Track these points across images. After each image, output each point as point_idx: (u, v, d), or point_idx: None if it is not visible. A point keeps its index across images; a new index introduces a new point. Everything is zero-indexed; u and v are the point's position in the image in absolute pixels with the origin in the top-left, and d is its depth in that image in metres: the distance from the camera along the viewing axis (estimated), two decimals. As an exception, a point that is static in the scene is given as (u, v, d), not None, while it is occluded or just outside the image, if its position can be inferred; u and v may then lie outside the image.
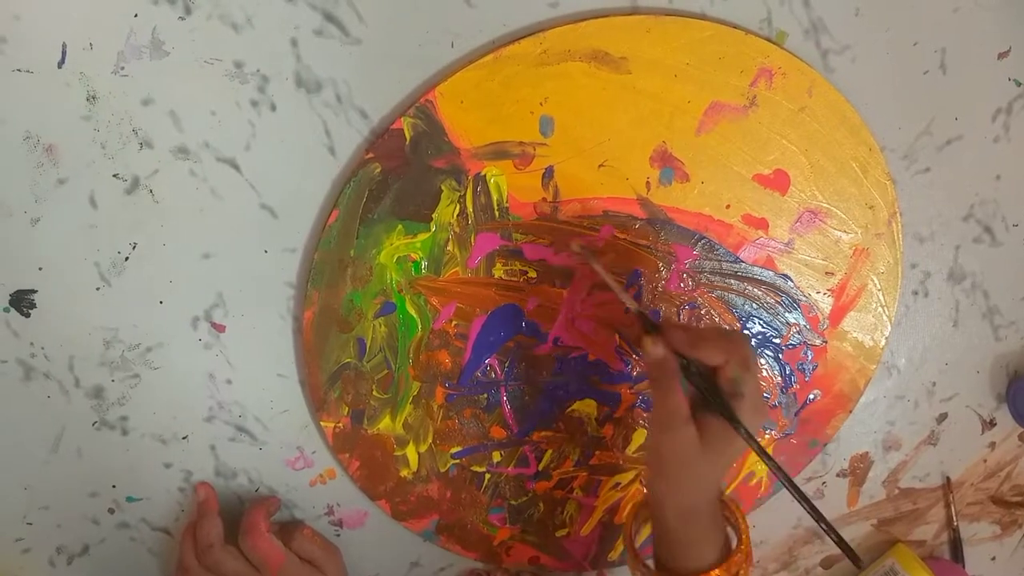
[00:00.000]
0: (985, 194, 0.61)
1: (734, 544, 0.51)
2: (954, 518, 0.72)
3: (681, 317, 0.57)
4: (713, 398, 0.47)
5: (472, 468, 0.59)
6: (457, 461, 0.58)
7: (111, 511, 0.56)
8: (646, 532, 0.58)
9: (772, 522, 0.68)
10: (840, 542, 0.45)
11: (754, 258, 0.57)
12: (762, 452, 0.46)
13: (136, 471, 0.55)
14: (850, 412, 0.63)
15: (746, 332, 0.58)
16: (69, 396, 0.53)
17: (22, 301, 0.50)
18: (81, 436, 0.54)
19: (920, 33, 0.55)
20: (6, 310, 0.50)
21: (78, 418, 0.53)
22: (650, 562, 0.54)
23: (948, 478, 0.71)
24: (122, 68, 0.46)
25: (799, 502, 0.45)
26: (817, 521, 0.45)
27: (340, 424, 0.55)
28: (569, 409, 0.59)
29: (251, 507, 0.55)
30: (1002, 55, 0.57)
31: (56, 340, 0.51)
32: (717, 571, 0.49)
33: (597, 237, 0.54)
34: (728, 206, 0.55)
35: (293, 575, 0.54)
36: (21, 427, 0.53)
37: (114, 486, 0.56)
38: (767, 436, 0.62)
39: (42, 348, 0.51)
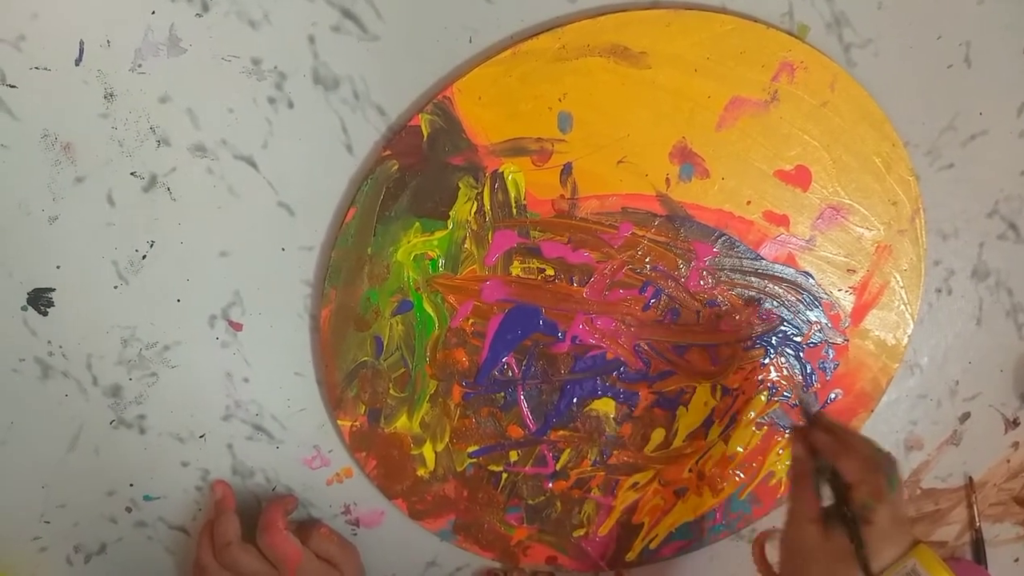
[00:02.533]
0: (1010, 190, 0.60)
1: None
2: (977, 519, 0.71)
3: (701, 316, 0.57)
4: (841, 509, 0.47)
5: (489, 467, 0.58)
6: (474, 460, 0.58)
7: (128, 510, 0.56)
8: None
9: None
10: None
11: (775, 255, 0.56)
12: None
13: (153, 470, 0.55)
14: (872, 411, 0.63)
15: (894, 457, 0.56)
16: (87, 394, 0.52)
17: (40, 299, 0.50)
18: (98, 435, 0.54)
19: (944, 27, 0.54)
20: (24, 308, 0.50)
21: (95, 416, 0.53)
22: None
23: (971, 478, 0.70)
24: (139, 66, 0.46)
25: None
26: None
27: (357, 423, 0.55)
28: (587, 408, 0.58)
29: (269, 505, 0.54)
30: (1028, 48, 0.56)
31: (74, 338, 0.51)
32: None
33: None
34: (749, 202, 0.55)
35: (311, 574, 0.54)
36: (39, 426, 0.53)
37: (131, 485, 0.56)
38: (787, 435, 0.62)
39: (60, 347, 0.51)
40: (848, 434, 0.51)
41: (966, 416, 0.67)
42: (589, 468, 0.60)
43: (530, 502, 0.60)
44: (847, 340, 0.60)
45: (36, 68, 0.45)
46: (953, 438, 0.67)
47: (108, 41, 0.45)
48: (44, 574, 0.57)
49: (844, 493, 0.47)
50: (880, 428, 0.65)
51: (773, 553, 0.55)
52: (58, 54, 0.45)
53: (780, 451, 0.62)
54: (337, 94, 0.48)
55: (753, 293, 0.57)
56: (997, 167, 0.59)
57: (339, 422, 0.55)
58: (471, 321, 0.54)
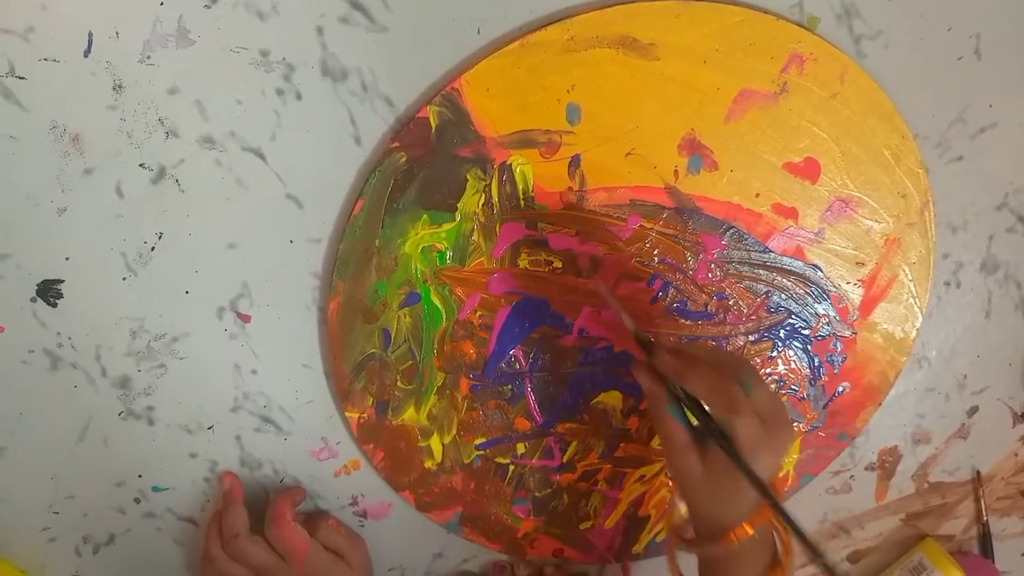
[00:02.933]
0: (1020, 183, 0.59)
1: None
2: (984, 513, 0.71)
3: (710, 308, 0.57)
4: (706, 429, 0.45)
5: (496, 459, 0.58)
6: (481, 452, 0.58)
7: (137, 501, 0.56)
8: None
9: (799, 516, 0.66)
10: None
11: (783, 248, 0.56)
12: (760, 487, 0.43)
13: (162, 461, 0.56)
14: (880, 405, 0.62)
15: (747, 359, 0.55)
16: (95, 386, 0.53)
17: (49, 291, 0.50)
18: (107, 426, 0.54)
19: (955, 18, 0.53)
20: (33, 300, 0.50)
21: (104, 408, 0.53)
22: None
23: (978, 472, 0.70)
24: (148, 57, 0.46)
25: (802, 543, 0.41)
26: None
27: (364, 415, 0.55)
28: (594, 401, 0.58)
29: (277, 497, 0.55)
30: (1039, 40, 0.55)
31: (83, 330, 0.51)
32: None
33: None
34: (757, 195, 0.54)
35: (318, 565, 0.54)
36: (48, 417, 0.53)
37: (140, 476, 0.56)
38: (796, 427, 0.61)
39: (69, 338, 0.51)
40: (692, 348, 0.48)
41: (974, 410, 0.67)
42: (596, 461, 0.60)
43: (537, 494, 0.60)
44: (855, 333, 0.60)
45: (45, 60, 0.45)
46: (961, 432, 0.67)
47: (117, 33, 0.45)
48: (53, 565, 0.58)
49: (700, 410, 0.45)
50: (888, 422, 0.65)
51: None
52: (67, 46, 0.45)
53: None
54: (345, 86, 0.48)
55: (762, 286, 0.57)
56: (1007, 160, 0.59)
57: (347, 414, 0.55)
58: (478, 313, 0.54)
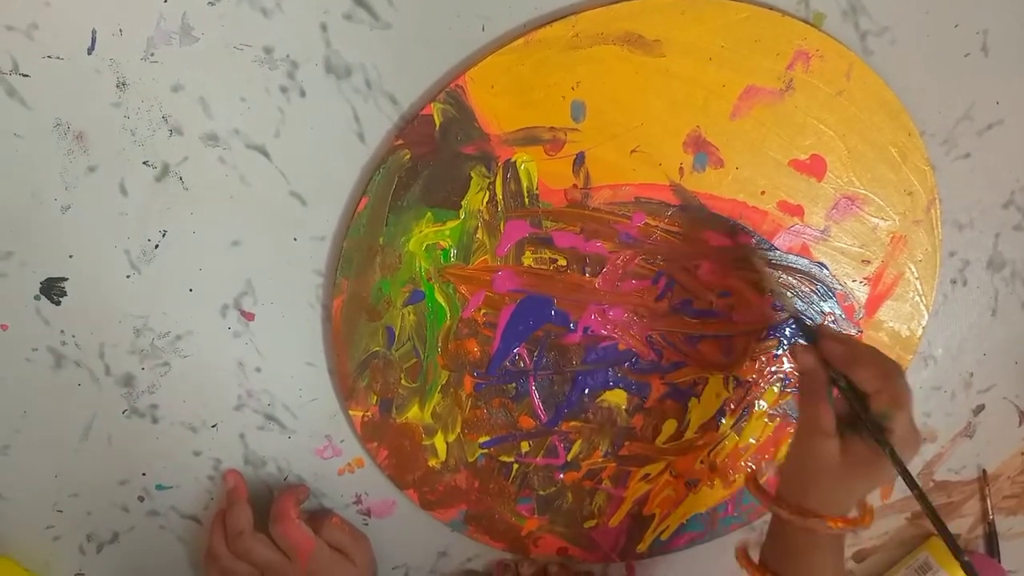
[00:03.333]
0: (1027, 180, 0.59)
1: None
2: (990, 511, 0.70)
3: (715, 306, 0.56)
4: (864, 418, 0.46)
5: (500, 458, 0.58)
6: (485, 451, 0.58)
7: (141, 499, 0.56)
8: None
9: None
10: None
11: (789, 245, 0.56)
12: (911, 481, 0.44)
13: (166, 459, 0.55)
14: (885, 403, 0.62)
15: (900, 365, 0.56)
16: (99, 384, 0.53)
17: (52, 289, 0.50)
18: (111, 424, 0.54)
19: (961, 14, 0.53)
20: (37, 298, 0.50)
21: (108, 406, 0.53)
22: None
23: (984, 471, 0.69)
24: (152, 54, 0.46)
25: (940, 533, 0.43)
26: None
27: (368, 413, 0.55)
28: (599, 399, 0.58)
29: (281, 495, 0.55)
30: (1046, 36, 0.55)
31: (86, 328, 0.51)
32: None
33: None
34: (763, 192, 0.54)
35: (322, 563, 0.54)
36: (52, 415, 0.53)
37: (144, 474, 0.56)
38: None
39: (72, 336, 0.51)
40: (857, 343, 0.49)
41: (980, 408, 0.67)
42: (600, 459, 0.60)
43: (541, 493, 0.60)
44: (861, 331, 0.59)
45: (48, 57, 0.45)
46: (967, 430, 0.67)
47: (120, 30, 0.45)
48: (57, 563, 0.58)
49: (861, 403, 0.46)
50: (893, 420, 0.65)
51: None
52: (70, 43, 0.45)
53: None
54: (349, 83, 0.48)
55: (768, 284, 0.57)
56: (1013, 157, 0.58)
57: (351, 412, 0.55)
58: (483, 311, 0.54)
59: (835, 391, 0.48)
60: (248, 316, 0.53)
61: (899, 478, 0.45)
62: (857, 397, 0.47)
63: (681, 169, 0.53)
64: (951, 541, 0.42)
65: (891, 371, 0.46)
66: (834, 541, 0.49)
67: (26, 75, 0.45)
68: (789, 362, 0.59)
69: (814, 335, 0.49)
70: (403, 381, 0.55)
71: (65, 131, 0.46)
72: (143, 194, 0.48)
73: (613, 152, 0.51)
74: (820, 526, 0.48)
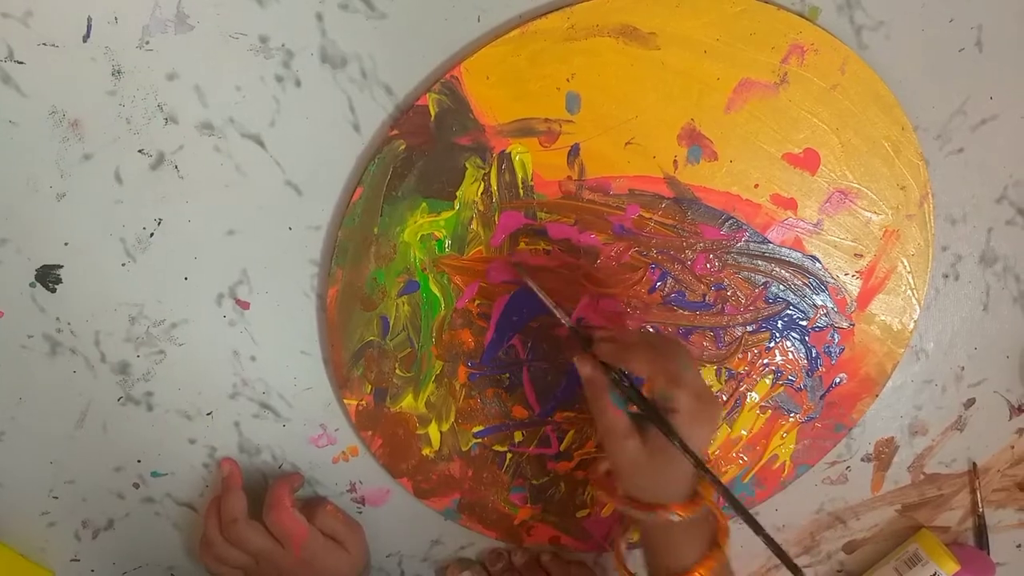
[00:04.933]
0: (1019, 175, 0.59)
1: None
2: (980, 504, 0.71)
3: (708, 298, 0.57)
4: (645, 410, 0.47)
5: (494, 447, 0.59)
6: (479, 440, 0.58)
7: (136, 486, 0.57)
8: (635, 535, 0.57)
9: (795, 506, 0.67)
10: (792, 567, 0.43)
11: (782, 239, 0.56)
12: (698, 462, 0.45)
13: (161, 446, 0.56)
14: (876, 396, 0.63)
15: (680, 339, 0.57)
16: (95, 371, 0.53)
17: (48, 276, 0.50)
18: (106, 411, 0.54)
19: (956, 10, 0.53)
20: (32, 285, 0.50)
21: (103, 393, 0.54)
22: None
23: (974, 464, 0.70)
24: (147, 42, 0.46)
25: (749, 524, 0.43)
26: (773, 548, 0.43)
27: (363, 402, 0.55)
28: (592, 390, 0.58)
29: (275, 483, 0.55)
30: (1041, 32, 0.55)
31: (82, 315, 0.51)
32: (698, 572, 0.49)
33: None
34: (756, 185, 0.54)
35: (316, 550, 0.54)
36: (47, 402, 0.53)
37: (139, 461, 0.56)
38: (791, 419, 0.62)
39: (68, 323, 0.51)
40: (625, 334, 0.50)
41: (971, 402, 0.67)
42: (593, 450, 0.60)
43: (534, 482, 0.60)
44: (853, 325, 0.60)
45: (44, 44, 0.45)
46: (958, 424, 0.67)
47: (116, 18, 0.45)
48: (52, 549, 0.58)
49: (637, 393, 0.47)
50: (884, 413, 0.65)
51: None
52: (66, 30, 0.45)
53: (784, 435, 0.62)
54: (345, 73, 0.48)
55: (760, 277, 0.57)
56: (1007, 152, 0.58)
57: (345, 401, 0.55)
58: (477, 302, 0.54)
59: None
60: (243, 305, 0.53)
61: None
62: (634, 388, 0.47)
63: (675, 162, 0.53)
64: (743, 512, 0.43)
65: (663, 352, 0.47)
66: (690, 527, 0.49)
67: (21, 62, 0.45)
68: (781, 355, 0.59)
69: (588, 341, 0.50)
70: (397, 371, 0.55)
71: (60, 119, 0.46)
72: (138, 182, 0.49)
73: (608, 144, 0.51)
74: (667, 516, 0.48)
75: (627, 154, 0.52)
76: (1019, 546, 0.75)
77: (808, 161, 0.54)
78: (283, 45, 0.47)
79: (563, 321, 0.50)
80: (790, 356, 0.60)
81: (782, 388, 0.61)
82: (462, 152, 0.50)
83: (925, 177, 0.56)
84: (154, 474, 0.57)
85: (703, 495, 0.49)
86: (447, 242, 0.52)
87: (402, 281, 0.53)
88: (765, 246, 0.56)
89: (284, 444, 0.57)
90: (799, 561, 0.71)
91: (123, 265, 0.50)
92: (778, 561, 0.43)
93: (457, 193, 0.51)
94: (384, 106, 0.49)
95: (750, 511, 0.45)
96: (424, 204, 0.51)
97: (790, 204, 0.55)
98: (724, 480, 0.64)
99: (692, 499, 0.49)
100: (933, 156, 0.57)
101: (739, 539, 0.59)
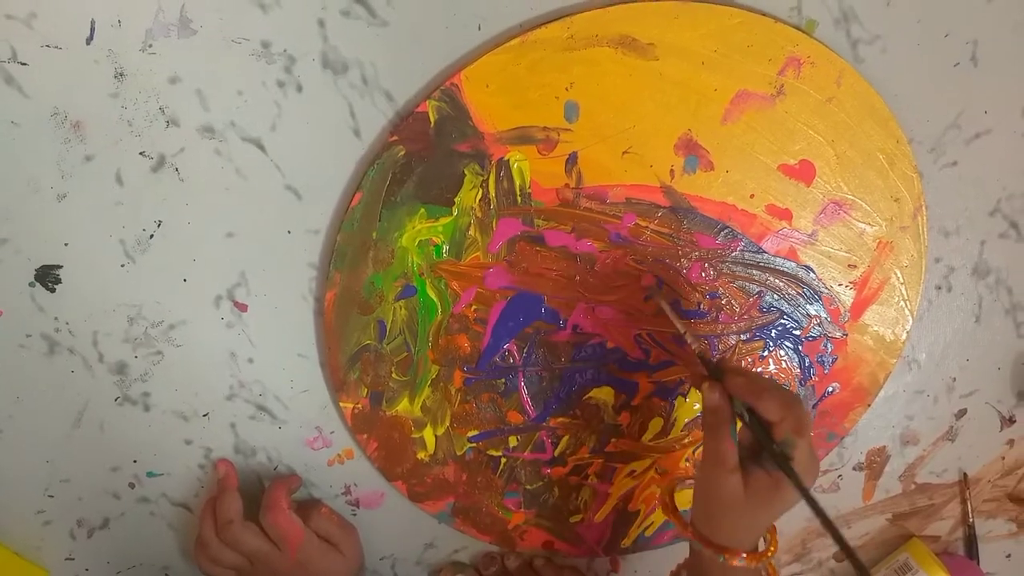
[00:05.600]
0: (1013, 189, 0.60)
1: None
2: (970, 514, 0.71)
3: (702, 307, 0.57)
4: (768, 449, 0.47)
5: (488, 452, 0.59)
6: (474, 445, 0.59)
7: (132, 486, 0.57)
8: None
9: (786, 514, 0.67)
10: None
11: (777, 249, 0.57)
12: (817, 509, 0.44)
13: (157, 447, 0.56)
14: (868, 406, 0.63)
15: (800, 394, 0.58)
16: (92, 371, 0.53)
17: (47, 276, 0.50)
18: (103, 411, 0.54)
19: (952, 25, 0.54)
20: (31, 285, 0.50)
21: (101, 393, 0.54)
22: None
23: (965, 474, 0.70)
24: (150, 46, 0.46)
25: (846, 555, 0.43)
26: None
27: (359, 405, 0.56)
28: (586, 396, 0.59)
29: (273, 484, 0.55)
30: (1035, 48, 0.56)
31: (80, 316, 0.52)
32: None
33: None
34: (752, 196, 0.55)
35: (311, 553, 0.55)
36: (44, 401, 0.54)
37: (135, 461, 0.56)
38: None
39: (66, 323, 0.52)
40: (758, 376, 0.50)
41: (962, 413, 0.67)
42: (587, 455, 0.61)
43: (528, 487, 0.61)
44: (846, 335, 0.60)
45: (47, 46, 0.45)
46: (949, 434, 0.68)
47: (119, 21, 0.45)
48: (48, 547, 0.58)
49: (765, 433, 0.47)
50: (876, 423, 0.66)
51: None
52: (69, 33, 0.45)
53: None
54: (346, 79, 0.49)
55: (754, 286, 0.57)
56: (1000, 166, 0.59)
57: (341, 404, 0.56)
58: (474, 307, 0.55)
59: (737, 426, 0.49)
60: (241, 307, 0.53)
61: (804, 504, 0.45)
62: (759, 429, 0.47)
63: (672, 171, 0.53)
64: (851, 553, 0.42)
65: (792, 401, 0.47)
66: (747, 571, 0.50)
67: (24, 64, 0.45)
68: (774, 364, 0.60)
69: (719, 371, 0.50)
70: (394, 374, 0.55)
71: (62, 120, 0.47)
72: (139, 184, 0.49)
73: (605, 153, 0.52)
74: (732, 560, 0.49)
75: (624, 163, 0.52)
76: (1008, 556, 0.76)
77: (803, 172, 0.55)
78: (285, 50, 0.47)
79: (693, 346, 0.51)
80: (783, 365, 0.60)
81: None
82: (461, 159, 0.51)
83: (919, 189, 0.57)
84: (150, 474, 0.57)
85: (768, 548, 0.50)
86: (445, 247, 0.53)
87: (400, 286, 0.53)
88: (760, 256, 0.57)
89: (280, 446, 0.57)
90: (789, 569, 0.71)
91: (122, 266, 0.51)
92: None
93: (455, 199, 0.52)
94: (384, 112, 0.50)
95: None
96: (423, 210, 0.52)
97: (785, 215, 0.56)
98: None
99: (758, 550, 0.50)
100: (927, 169, 0.58)
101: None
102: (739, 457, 0.48)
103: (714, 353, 0.59)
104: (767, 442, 0.47)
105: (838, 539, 0.43)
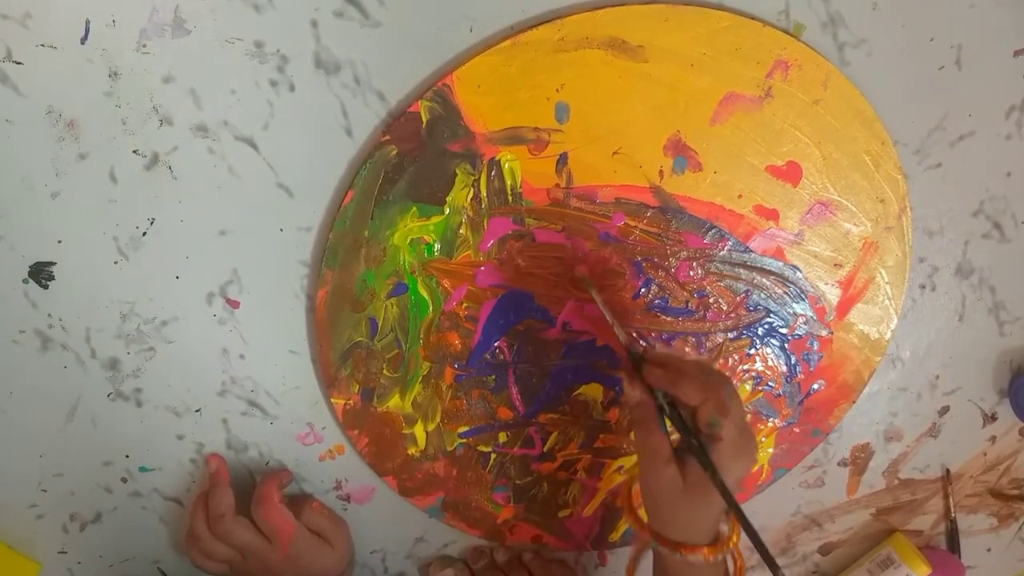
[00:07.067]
0: (995, 190, 0.61)
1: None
2: (952, 509, 0.73)
3: (690, 305, 0.58)
4: (688, 440, 0.47)
5: (478, 448, 0.60)
6: (464, 440, 0.59)
7: (124, 480, 0.57)
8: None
9: (772, 508, 0.69)
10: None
11: (764, 248, 0.58)
12: (731, 501, 0.45)
13: (149, 442, 0.56)
14: (853, 403, 0.64)
15: (725, 374, 0.56)
16: (85, 367, 0.53)
17: (41, 273, 0.51)
18: (96, 406, 0.55)
19: (937, 29, 0.55)
20: (25, 281, 0.51)
21: (93, 389, 0.54)
22: None
23: (948, 470, 0.71)
24: (144, 45, 0.46)
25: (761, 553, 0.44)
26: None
27: (350, 401, 0.56)
28: (576, 392, 0.59)
29: (264, 479, 0.56)
30: (1018, 52, 0.57)
31: (73, 312, 0.52)
32: None
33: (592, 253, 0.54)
34: (740, 196, 0.56)
35: (302, 547, 0.55)
36: (37, 396, 0.54)
37: (127, 456, 0.57)
38: (769, 424, 0.63)
39: (59, 319, 0.52)
40: (678, 361, 0.50)
41: (945, 410, 0.68)
42: (576, 451, 0.61)
43: (517, 482, 0.62)
44: (831, 333, 0.61)
45: (42, 45, 0.45)
46: (932, 430, 0.69)
47: (114, 20, 0.45)
48: (40, 541, 0.58)
49: (688, 419, 0.47)
50: (861, 419, 0.67)
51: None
52: (64, 32, 0.45)
53: (763, 439, 0.64)
54: (338, 79, 0.49)
55: (742, 285, 0.58)
56: (984, 168, 0.60)
57: (332, 400, 0.56)
58: (464, 305, 0.55)
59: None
60: (233, 304, 0.54)
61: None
62: (682, 417, 0.47)
63: (661, 172, 0.54)
64: (765, 553, 0.43)
65: (713, 381, 0.47)
66: (709, 566, 0.49)
67: (19, 63, 0.45)
68: (761, 362, 0.61)
69: (641, 361, 0.50)
70: (385, 371, 0.56)
71: (57, 119, 0.47)
72: (132, 182, 0.49)
73: (595, 153, 0.53)
74: (688, 556, 0.48)
75: (614, 164, 0.53)
76: (989, 550, 0.77)
77: (790, 173, 0.56)
78: (278, 50, 0.48)
79: (620, 339, 0.51)
80: (770, 363, 0.61)
81: (761, 394, 0.62)
82: (452, 158, 0.51)
83: (904, 190, 0.58)
84: (142, 469, 0.57)
85: (729, 536, 0.49)
86: (436, 246, 0.53)
87: (391, 283, 0.54)
88: (747, 255, 0.57)
89: (271, 441, 0.58)
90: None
91: (115, 263, 0.51)
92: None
93: (447, 198, 0.52)
94: (376, 112, 0.50)
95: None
96: (414, 208, 0.52)
97: (772, 215, 0.57)
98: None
99: (718, 541, 0.49)
100: (912, 170, 0.58)
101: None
102: (675, 448, 0.48)
103: (668, 345, 0.59)
104: (684, 432, 0.47)
105: (748, 529, 0.44)
